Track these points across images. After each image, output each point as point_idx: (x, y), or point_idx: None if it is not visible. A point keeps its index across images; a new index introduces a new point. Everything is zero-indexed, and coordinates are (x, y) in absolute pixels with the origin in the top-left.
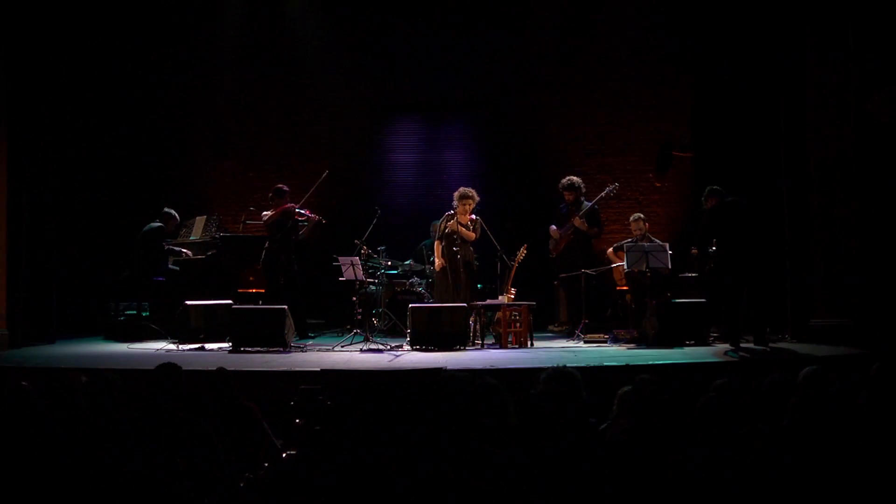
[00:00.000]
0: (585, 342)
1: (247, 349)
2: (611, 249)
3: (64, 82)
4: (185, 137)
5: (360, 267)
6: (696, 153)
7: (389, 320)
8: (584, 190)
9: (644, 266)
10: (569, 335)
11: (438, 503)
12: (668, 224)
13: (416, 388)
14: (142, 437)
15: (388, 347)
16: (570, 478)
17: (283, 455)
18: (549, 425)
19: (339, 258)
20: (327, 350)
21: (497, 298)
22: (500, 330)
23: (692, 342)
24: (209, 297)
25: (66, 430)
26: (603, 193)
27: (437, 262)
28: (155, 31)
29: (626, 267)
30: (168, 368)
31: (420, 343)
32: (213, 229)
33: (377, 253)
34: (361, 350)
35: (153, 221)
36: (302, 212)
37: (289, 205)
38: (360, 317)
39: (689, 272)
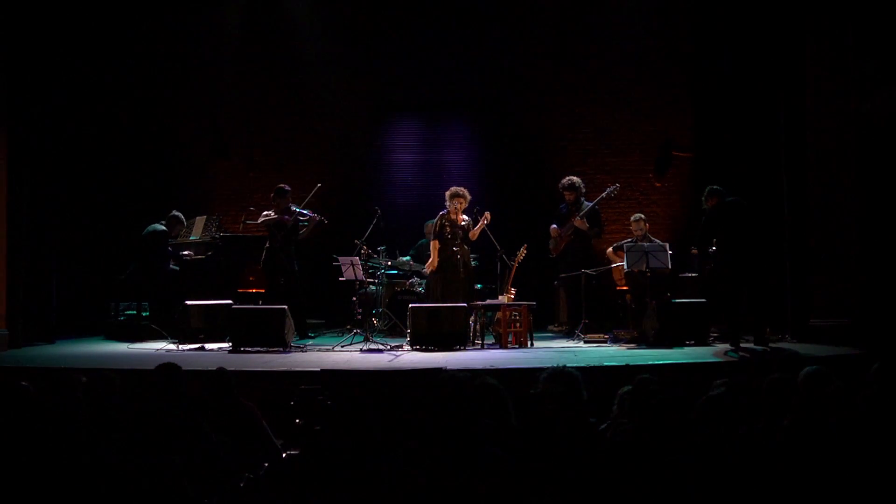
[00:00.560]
0: (585, 342)
1: (247, 349)
2: (610, 249)
3: (64, 82)
4: (185, 137)
5: (360, 267)
6: (696, 153)
7: (389, 320)
8: (584, 190)
9: (644, 266)
10: (569, 335)
11: (438, 503)
12: (668, 224)
13: (416, 388)
14: (142, 437)
15: (388, 347)
16: (570, 478)
17: (283, 455)
18: (549, 425)
19: (339, 258)
20: (327, 350)
21: (497, 298)
22: (500, 330)
23: (692, 342)
24: (209, 297)
25: (66, 430)
26: (604, 194)
27: (433, 259)
28: (155, 30)
29: (626, 267)
30: (168, 368)
31: (420, 343)
32: (213, 229)
33: (377, 253)
34: (361, 350)
35: (157, 223)
36: (304, 212)
37: (286, 218)
38: (360, 317)
39: (689, 272)
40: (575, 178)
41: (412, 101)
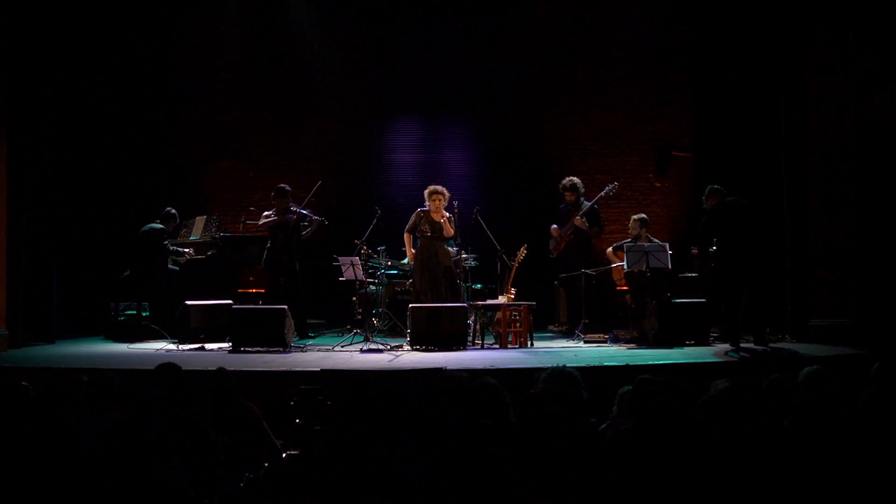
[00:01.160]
0: (585, 342)
1: (247, 349)
2: (610, 249)
3: (64, 82)
4: (185, 137)
5: (360, 267)
6: (696, 153)
7: (389, 320)
8: (583, 190)
9: (644, 266)
10: (569, 335)
11: (438, 503)
12: (668, 224)
13: (416, 388)
14: (142, 437)
15: (388, 347)
16: (570, 478)
17: (283, 455)
18: (549, 425)
19: (339, 258)
20: (327, 350)
21: (497, 298)
22: (500, 330)
23: (692, 342)
24: (209, 297)
25: (66, 430)
26: (602, 193)
27: (408, 252)
28: (155, 30)
29: (626, 267)
30: (168, 368)
31: (420, 343)
32: (213, 229)
33: (377, 253)
34: (361, 350)
35: (153, 222)
36: (304, 213)
37: (290, 216)
38: (360, 317)
39: (689, 272)
40: (575, 179)
41: (412, 101)
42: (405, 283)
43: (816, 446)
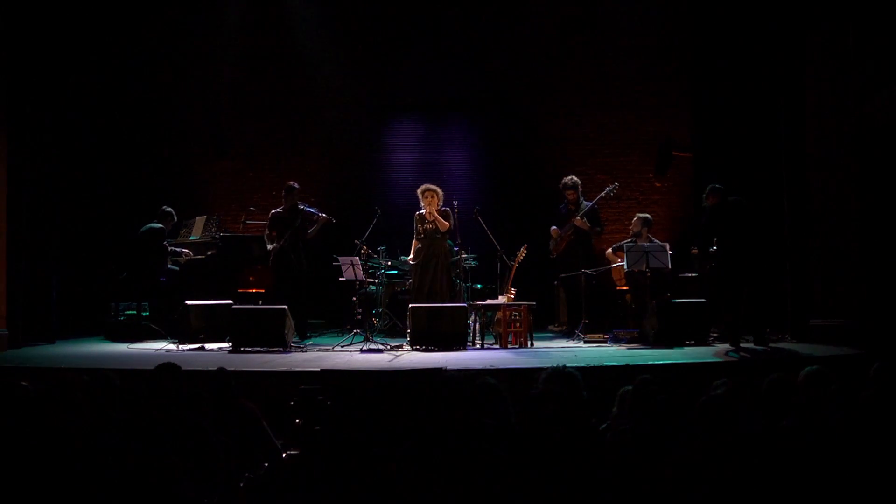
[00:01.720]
0: (585, 342)
1: (247, 349)
2: (610, 250)
3: (64, 82)
4: (185, 137)
5: (360, 267)
6: (696, 153)
7: (389, 320)
8: (582, 190)
9: (644, 266)
10: (569, 335)
11: (438, 503)
12: (669, 224)
13: (416, 388)
14: (142, 437)
15: (388, 347)
16: (570, 478)
17: (283, 455)
18: (549, 425)
19: (339, 258)
20: (327, 350)
21: (497, 298)
22: (500, 330)
23: (692, 342)
24: (209, 297)
25: (66, 430)
26: (603, 193)
27: (412, 252)
28: (155, 30)
29: (626, 267)
30: (168, 368)
31: (420, 343)
32: (213, 229)
33: (377, 253)
34: (361, 350)
35: (152, 221)
36: (311, 211)
37: (300, 205)
38: (360, 317)
39: (689, 272)
40: (575, 178)
41: (412, 101)
42: (405, 284)
43: (816, 446)
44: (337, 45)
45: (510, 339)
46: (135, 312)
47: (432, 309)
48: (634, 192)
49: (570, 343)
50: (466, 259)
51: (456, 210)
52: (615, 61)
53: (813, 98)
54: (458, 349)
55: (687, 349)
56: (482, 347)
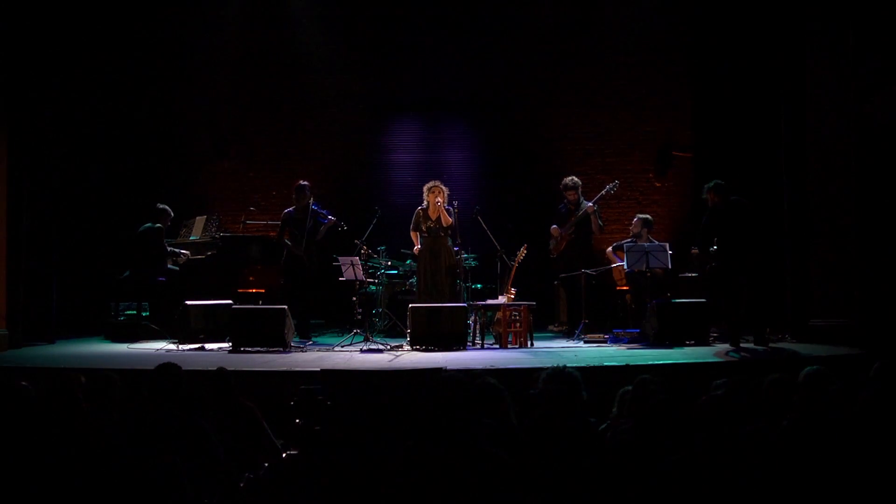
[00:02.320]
0: (585, 342)
1: (247, 349)
2: (609, 249)
3: (64, 82)
4: (185, 137)
5: (360, 267)
6: (696, 153)
7: (389, 320)
8: (581, 189)
9: (644, 266)
10: (569, 335)
11: (438, 503)
12: (669, 224)
13: (416, 388)
14: (142, 437)
15: (388, 347)
16: (570, 478)
17: (283, 455)
18: (549, 425)
19: (339, 258)
20: (327, 350)
21: (497, 298)
22: (500, 330)
23: (692, 342)
24: (209, 297)
25: (66, 430)
26: (603, 192)
27: (416, 245)
28: (155, 30)
29: (626, 267)
30: (168, 368)
31: (420, 343)
32: (213, 229)
33: (377, 253)
34: (361, 350)
35: (149, 222)
36: (323, 212)
37: (326, 217)
38: (360, 317)
39: (689, 272)
40: (576, 178)
41: (412, 101)
42: (405, 283)
43: (816, 446)
44: (337, 45)
45: (510, 339)
46: (135, 312)
47: (432, 309)
48: (634, 192)
49: (570, 343)
50: (466, 259)
51: (456, 210)
52: (615, 61)
53: (813, 97)
54: (458, 349)
55: (687, 349)
56: (482, 347)
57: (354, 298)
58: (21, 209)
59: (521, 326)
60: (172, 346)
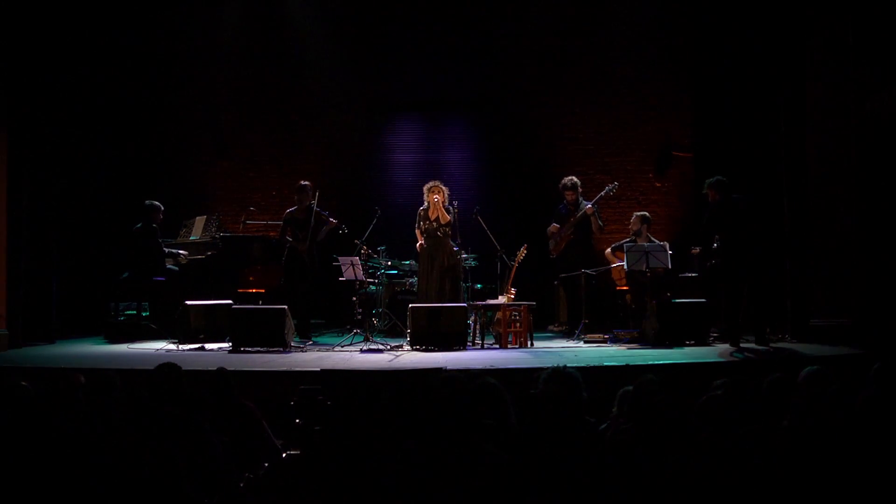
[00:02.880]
0: (585, 342)
1: (247, 349)
2: (609, 250)
3: (64, 82)
4: (185, 137)
5: (360, 267)
6: (696, 153)
7: (389, 320)
8: (581, 190)
9: (644, 266)
10: (569, 335)
11: (438, 503)
12: (669, 224)
13: (416, 388)
14: (142, 437)
15: (388, 347)
16: (570, 478)
17: (283, 455)
18: (549, 425)
19: (339, 258)
20: (327, 350)
21: (497, 298)
22: (500, 330)
23: (692, 342)
24: (209, 297)
25: (66, 430)
26: (603, 193)
27: (419, 242)
28: (155, 30)
29: (626, 267)
30: (168, 368)
31: (420, 343)
32: (213, 229)
33: (377, 253)
34: (361, 350)
35: (141, 219)
36: (325, 214)
37: (324, 214)
38: (360, 317)
39: (690, 272)
40: (575, 179)
41: (412, 101)
42: (405, 283)
43: (816, 446)
44: (337, 45)
45: (510, 339)
46: (135, 312)
47: (432, 309)
48: (634, 192)
49: (570, 343)
50: (466, 259)
51: (456, 210)
52: (615, 61)
53: (813, 98)
54: (458, 349)
55: (687, 349)
56: (482, 347)
57: (354, 298)
58: (21, 209)
59: (521, 326)
60: (172, 346)
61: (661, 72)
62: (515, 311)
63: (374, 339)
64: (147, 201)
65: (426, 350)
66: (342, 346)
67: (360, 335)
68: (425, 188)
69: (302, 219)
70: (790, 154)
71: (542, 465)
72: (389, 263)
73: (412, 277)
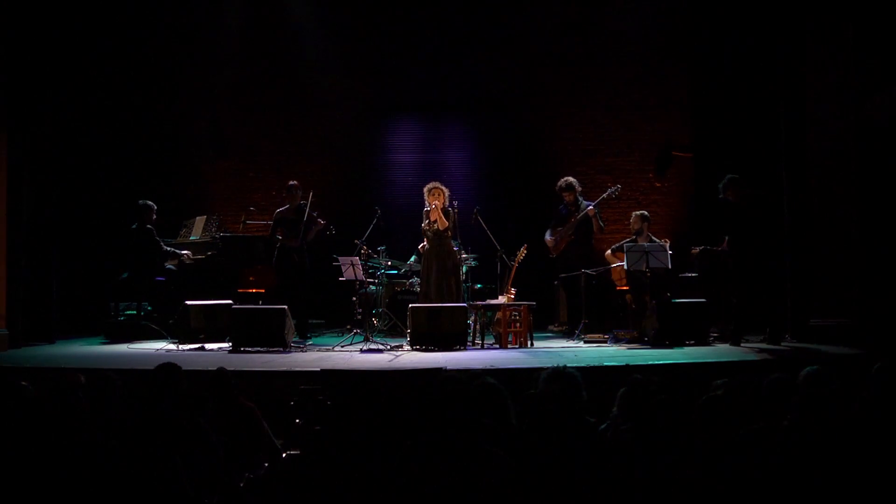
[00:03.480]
0: (585, 342)
1: (247, 349)
2: (609, 251)
3: (64, 82)
4: (185, 137)
5: (360, 267)
6: (696, 153)
7: (389, 320)
8: (580, 189)
9: (644, 266)
10: (569, 335)
11: (438, 503)
12: (669, 224)
13: (416, 388)
14: (142, 437)
15: (388, 347)
16: (570, 478)
17: (283, 455)
18: (549, 425)
19: (339, 258)
20: (327, 350)
21: (497, 298)
22: (500, 330)
23: (692, 342)
24: (209, 297)
25: (66, 430)
26: (605, 195)
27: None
28: (155, 30)
29: (626, 267)
30: (168, 368)
31: (420, 343)
32: (213, 229)
33: (377, 253)
34: (361, 350)
35: (136, 219)
36: (314, 214)
37: (315, 218)
38: (360, 317)
39: (690, 272)
40: (572, 179)
41: (412, 101)
42: (405, 283)
43: (816, 446)
44: (337, 45)
45: (510, 339)
46: (135, 312)
47: (432, 309)
48: (634, 192)
49: (570, 343)
50: (466, 259)
51: (456, 210)
52: (615, 61)
53: (813, 97)
54: (458, 349)
55: (687, 349)
56: (482, 347)
57: (354, 298)
58: (21, 210)
59: (521, 326)
60: (172, 346)
61: (660, 72)
62: (515, 311)
63: (374, 339)
64: (140, 201)
65: (426, 350)
66: (342, 346)
67: (360, 335)
68: (425, 190)
69: (292, 219)
70: (790, 154)
71: (542, 465)
72: (389, 263)
73: (412, 277)
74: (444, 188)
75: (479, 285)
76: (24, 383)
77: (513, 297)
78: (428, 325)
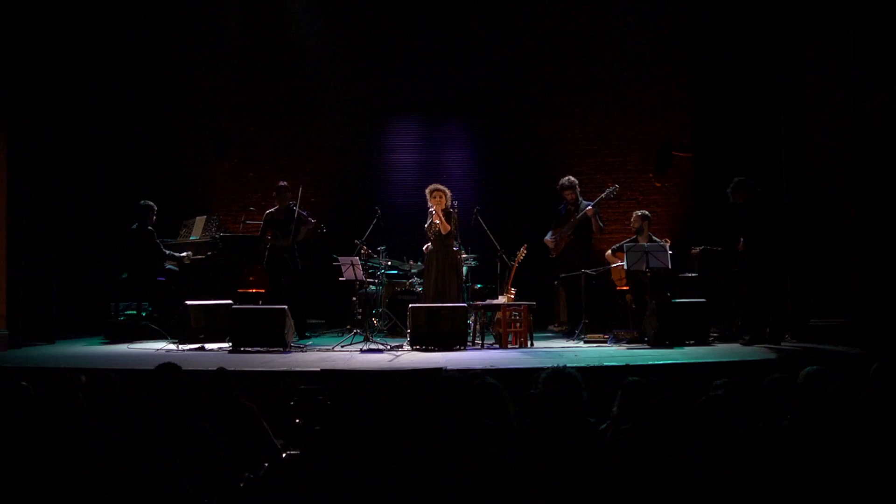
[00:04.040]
0: (585, 342)
1: (247, 349)
2: (609, 252)
3: (64, 82)
4: (185, 137)
5: (360, 267)
6: (696, 153)
7: (389, 320)
8: (579, 189)
9: (644, 266)
10: (569, 335)
11: (439, 503)
12: (669, 224)
13: (416, 388)
14: (142, 437)
15: (388, 347)
16: (570, 478)
17: (283, 455)
18: (549, 425)
19: (339, 258)
20: (327, 350)
21: (497, 298)
22: (500, 330)
23: (692, 342)
24: (209, 297)
25: (66, 430)
26: (603, 195)
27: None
28: (155, 30)
29: (626, 266)
30: (168, 368)
31: (420, 343)
32: (213, 229)
33: (377, 253)
34: (361, 350)
35: (136, 220)
36: (304, 214)
37: (293, 205)
38: (360, 317)
39: (689, 272)
40: (572, 178)
41: (412, 101)
42: (405, 283)
43: (816, 446)
44: (337, 45)
45: (510, 339)
46: (135, 312)
47: (432, 309)
48: (634, 192)
49: (570, 343)
50: (467, 259)
51: (456, 210)
52: (615, 61)
53: (812, 97)
54: (458, 349)
55: (687, 349)
56: (482, 347)
57: (354, 298)
58: (21, 209)
59: (521, 326)
60: (172, 346)
61: (660, 72)
62: (515, 311)
63: (374, 339)
64: (141, 202)
65: (426, 350)
66: (342, 346)
67: (360, 335)
68: (427, 191)
69: (281, 219)
70: (790, 154)
71: (542, 465)
72: (389, 263)
73: (412, 277)
74: (445, 190)
75: (479, 285)
76: (24, 383)
77: (513, 297)
78: (428, 326)
